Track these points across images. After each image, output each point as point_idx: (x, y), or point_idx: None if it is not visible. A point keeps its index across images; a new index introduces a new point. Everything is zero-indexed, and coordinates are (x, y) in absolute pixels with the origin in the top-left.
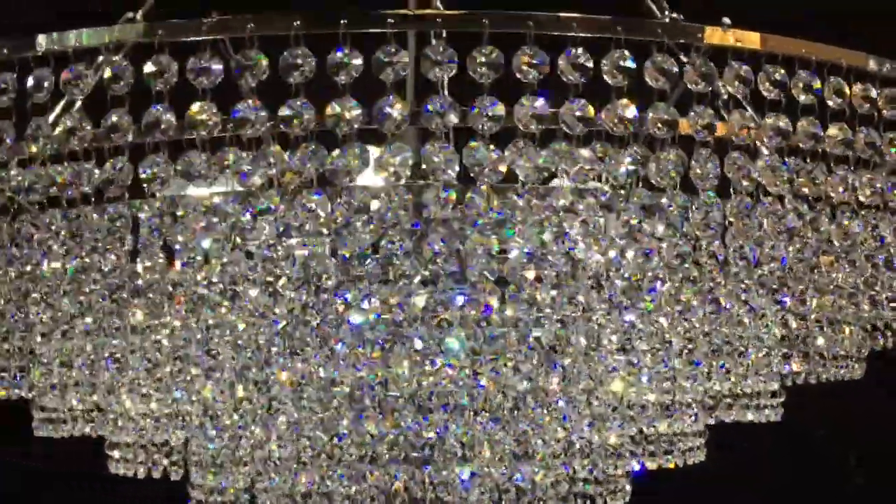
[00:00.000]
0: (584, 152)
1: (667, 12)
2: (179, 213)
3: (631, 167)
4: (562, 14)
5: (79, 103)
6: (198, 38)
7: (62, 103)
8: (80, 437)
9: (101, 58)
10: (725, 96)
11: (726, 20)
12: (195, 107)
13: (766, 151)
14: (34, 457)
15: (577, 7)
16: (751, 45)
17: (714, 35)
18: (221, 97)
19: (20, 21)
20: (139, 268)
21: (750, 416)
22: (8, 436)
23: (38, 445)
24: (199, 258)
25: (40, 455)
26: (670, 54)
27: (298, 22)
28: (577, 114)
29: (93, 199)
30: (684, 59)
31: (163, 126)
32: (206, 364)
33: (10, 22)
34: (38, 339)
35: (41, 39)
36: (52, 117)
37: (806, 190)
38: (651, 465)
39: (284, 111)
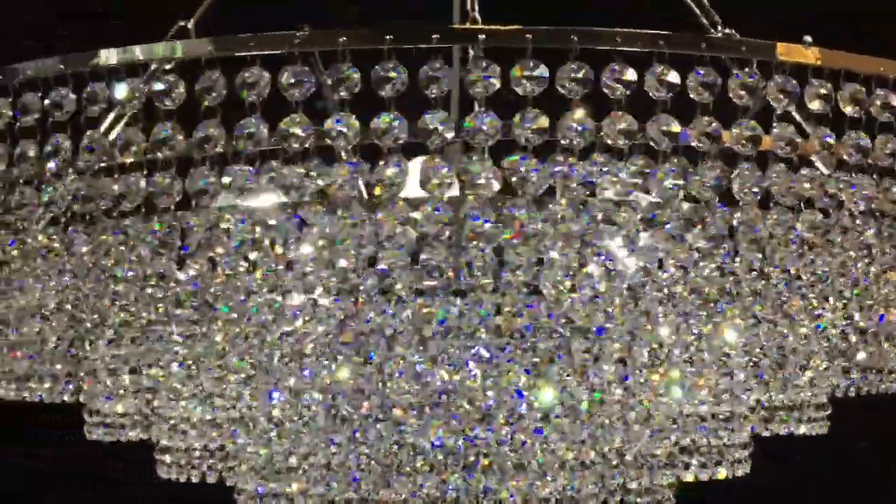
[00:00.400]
0: (668, 166)
1: (719, 27)
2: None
3: (719, 182)
4: (648, 31)
5: (122, 117)
6: (288, 51)
7: (111, 115)
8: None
9: (154, 66)
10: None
11: (808, 38)
12: (287, 119)
13: (822, 167)
14: (36, 457)
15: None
16: (832, 63)
17: (795, 53)
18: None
19: (20, 21)
20: (220, 277)
21: (802, 429)
22: (10, 436)
23: (40, 446)
24: (280, 268)
25: (44, 456)
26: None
27: (392, 36)
28: (664, 129)
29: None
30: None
31: (257, 138)
32: (278, 374)
33: (10, 22)
34: (107, 343)
35: (107, 54)
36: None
37: (886, 207)
38: (704, 476)
39: (377, 123)
